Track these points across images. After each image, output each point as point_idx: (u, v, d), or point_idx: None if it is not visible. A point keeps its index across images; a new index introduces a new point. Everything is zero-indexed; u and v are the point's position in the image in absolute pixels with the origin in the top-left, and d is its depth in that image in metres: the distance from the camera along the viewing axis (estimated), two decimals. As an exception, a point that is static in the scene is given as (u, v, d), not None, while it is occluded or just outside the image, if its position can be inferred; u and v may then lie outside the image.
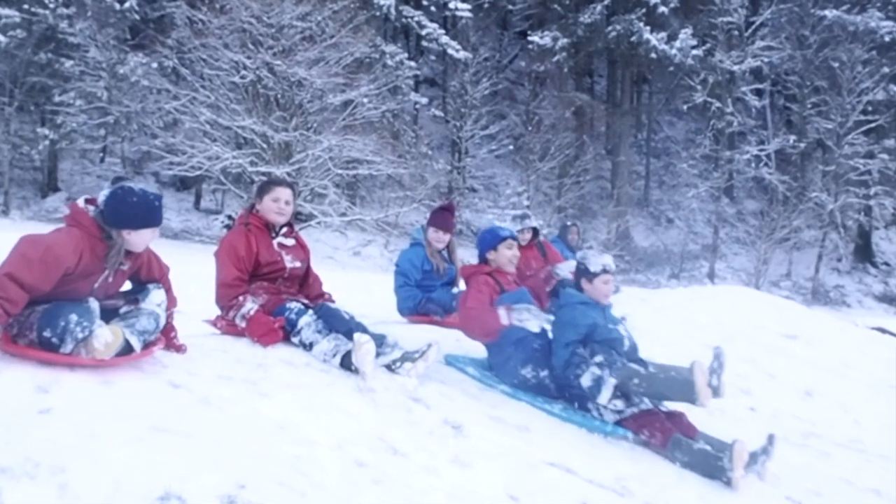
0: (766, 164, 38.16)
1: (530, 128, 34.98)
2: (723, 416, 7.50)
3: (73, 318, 4.36)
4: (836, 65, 36.05)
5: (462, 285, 8.76)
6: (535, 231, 10.22)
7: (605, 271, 6.18)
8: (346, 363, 5.53)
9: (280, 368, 5.28)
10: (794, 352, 11.28)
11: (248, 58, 24.82)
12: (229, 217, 29.03)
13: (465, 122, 34.71)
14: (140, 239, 4.74)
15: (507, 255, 6.59)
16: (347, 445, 4.42)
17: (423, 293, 8.22)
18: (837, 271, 38.11)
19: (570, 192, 35.25)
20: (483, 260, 6.63)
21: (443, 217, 8.49)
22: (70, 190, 29.88)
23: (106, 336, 4.36)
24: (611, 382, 5.59)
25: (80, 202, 4.69)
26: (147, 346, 4.76)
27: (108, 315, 4.75)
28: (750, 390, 8.56)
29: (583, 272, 6.26)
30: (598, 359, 5.70)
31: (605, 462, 5.30)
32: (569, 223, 13.28)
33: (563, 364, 5.81)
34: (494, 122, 36.21)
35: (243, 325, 5.64)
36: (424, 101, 36.68)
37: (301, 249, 6.29)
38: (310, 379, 5.26)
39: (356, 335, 5.58)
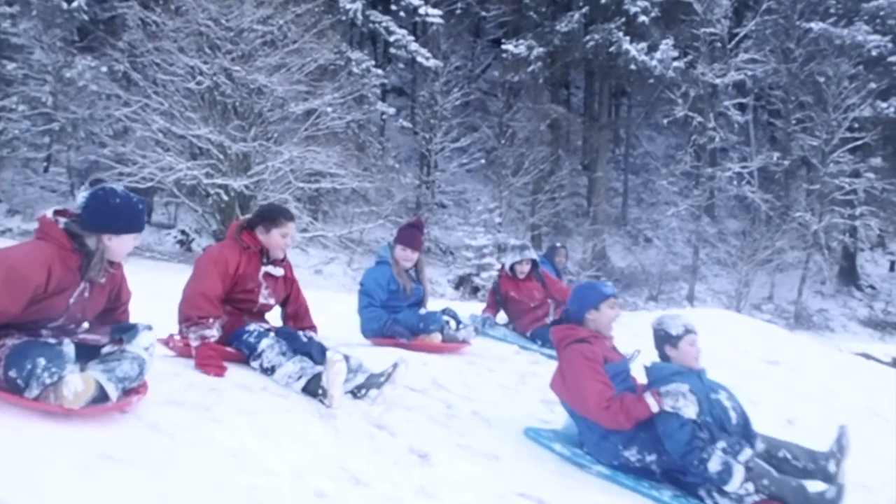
0: (748, 182, 38.42)
1: (503, 141, 35.08)
2: (702, 446, 7.51)
3: (41, 361, 4.15)
4: (821, 79, 36.37)
5: (429, 305, 8.77)
6: (534, 263, 10.24)
7: (688, 332, 5.90)
8: (312, 388, 5.48)
9: (235, 393, 5.24)
10: (777, 378, 11.35)
11: (205, 63, 24.73)
12: (182, 232, 28.92)
13: (434, 134, 34.76)
14: (121, 246, 4.62)
15: (609, 316, 6.08)
16: (307, 475, 4.40)
17: (389, 314, 8.18)
18: (821, 294, 38.43)
19: (544, 208, 35.34)
20: (577, 320, 6.08)
21: (411, 234, 8.45)
22: (11, 201, 29.64)
23: (76, 385, 4.15)
24: (741, 466, 5.28)
25: (49, 214, 4.54)
26: (127, 392, 4.50)
27: (89, 354, 4.58)
28: (730, 419, 8.58)
29: (664, 338, 5.95)
30: (722, 444, 5.39)
31: (579, 492, 5.30)
32: (558, 245, 13.42)
33: (684, 448, 5.37)
34: (466, 134, 36.26)
35: (196, 343, 5.57)
36: (392, 111, 36.69)
37: (283, 283, 6.29)
38: (267, 404, 5.23)
39: (329, 353, 5.55)
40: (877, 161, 37.25)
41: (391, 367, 5.82)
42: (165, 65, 24.90)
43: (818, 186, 36.71)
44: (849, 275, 39.77)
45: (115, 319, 4.94)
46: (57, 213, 4.56)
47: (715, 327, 13.80)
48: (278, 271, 6.18)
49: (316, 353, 5.74)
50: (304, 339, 5.90)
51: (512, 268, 10.18)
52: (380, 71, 35.39)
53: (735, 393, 9.87)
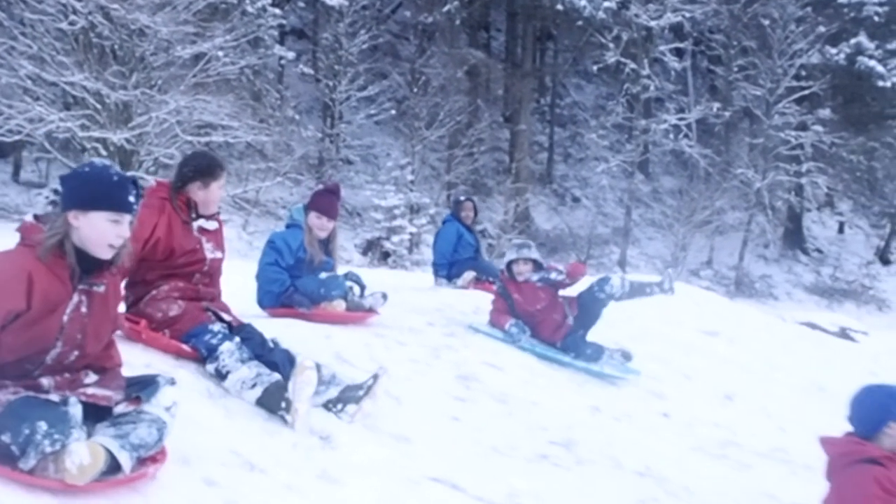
0: (686, 136, 38.67)
1: (416, 89, 34.91)
2: (631, 423, 7.66)
3: (42, 426, 3.73)
4: (766, 22, 36.60)
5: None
6: (536, 263, 9.59)
7: None
8: (270, 400, 5.32)
9: (115, 370, 5.22)
10: (714, 350, 11.58)
11: (79, 0, 24.30)
12: (55, 192, 28.34)
13: (339, 82, 34.48)
14: (92, 229, 4.05)
15: None
16: (194, 461, 4.41)
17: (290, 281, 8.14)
18: (764, 259, 39.01)
19: (461, 165, 35.29)
20: (868, 433, 4.93)
21: (328, 201, 8.36)
22: None
23: (81, 456, 3.75)
24: None
25: (29, 218, 4.16)
26: (142, 461, 4.11)
27: (98, 414, 4.16)
28: (663, 394, 8.75)
29: None
30: None
31: (497, 477, 5.39)
32: (462, 198, 13.32)
33: None
34: (374, 82, 36.02)
35: None
36: (291, 55, 36.29)
37: (221, 236, 6.21)
38: (150, 383, 5.21)
39: (299, 358, 5.44)
40: (825, 113, 37.63)
41: (371, 379, 5.73)
42: (34, 2, 24.39)
43: (762, 140, 37.08)
44: (794, 237, 40.35)
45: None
46: (38, 218, 4.17)
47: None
48: (212, 224, 6.10)
49: (282, 361, 5.62)
50: (270, 346, 5.81)
51: (510, 268, 9.59)
52: (277, 10, 34.93)
53: (669, 365, 10.09)
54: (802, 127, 37.29)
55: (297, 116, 34.87)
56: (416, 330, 8.58)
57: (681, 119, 38.90)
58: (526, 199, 35.89)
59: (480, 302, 10.20)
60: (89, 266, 4.11)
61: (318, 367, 5.59)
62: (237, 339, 5.72)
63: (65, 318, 4.06)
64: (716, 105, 38.62)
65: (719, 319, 13.48)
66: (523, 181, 36.70)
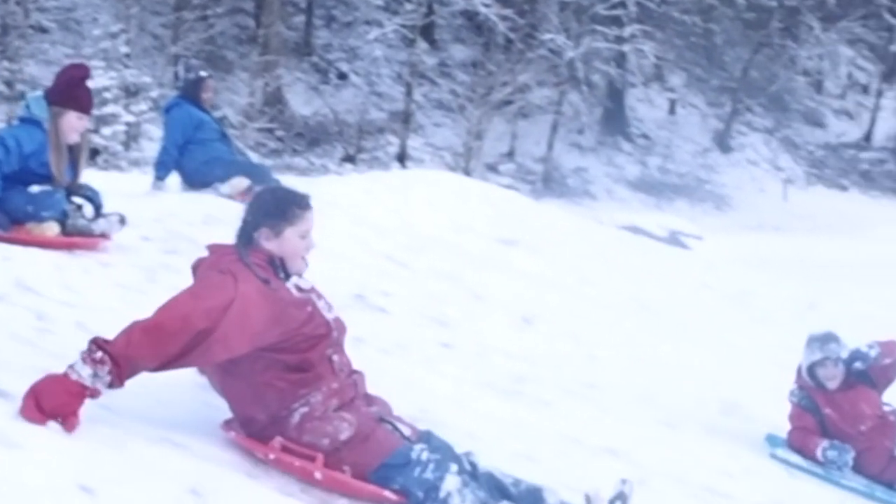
0: (480, -8, 38.94)
1: (129, -71, 34.31)
2: (406, 355, 7.74)
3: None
4: None
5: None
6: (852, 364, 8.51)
7: None
8: None
9: None
10: (512, 263, 11.83)
11: None
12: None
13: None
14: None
15: None
16: None
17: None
18: (579, 148, 39.72)
19: (192, 32, 34.91)
20: None
21: (88, 93, 8.21)
22: None
23: None
24: None
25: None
26: None
27: None
28: (446, 319, 8.88)
29: None
30: None
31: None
32: (203, 73, 12.71)
33: None
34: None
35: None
36: None
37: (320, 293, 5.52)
38: None
39: (591, 492, 5.02)
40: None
41: (623, 486, 5.18)
42: None
43: (574, -3, 37.60)
44: (615, 120, 41.05)
45: None
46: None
47: (433, 196, 14.15)
48: (305, 282, 5.35)
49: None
50: (468, 466, 5.18)
51: (812, 372, 8.59)
52: None
53: (455, 283, 10.26)
54: (625, -22, 37.85)
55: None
56: (125, 247, 8.44)
57: (474, -30, 39.08)
58: (278, 75, 35.81)
59: (213, 209, 10.05)
60: None
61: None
62: (454, 466, 5.07)
63: None
64: (517, -51, 38.87)
65: (520, 225, 13.72)
66: (274, 53, 36.55)
